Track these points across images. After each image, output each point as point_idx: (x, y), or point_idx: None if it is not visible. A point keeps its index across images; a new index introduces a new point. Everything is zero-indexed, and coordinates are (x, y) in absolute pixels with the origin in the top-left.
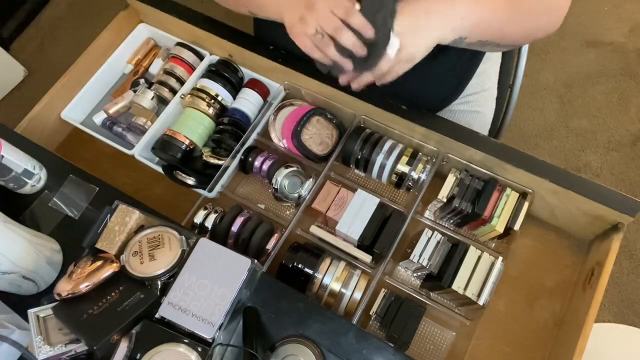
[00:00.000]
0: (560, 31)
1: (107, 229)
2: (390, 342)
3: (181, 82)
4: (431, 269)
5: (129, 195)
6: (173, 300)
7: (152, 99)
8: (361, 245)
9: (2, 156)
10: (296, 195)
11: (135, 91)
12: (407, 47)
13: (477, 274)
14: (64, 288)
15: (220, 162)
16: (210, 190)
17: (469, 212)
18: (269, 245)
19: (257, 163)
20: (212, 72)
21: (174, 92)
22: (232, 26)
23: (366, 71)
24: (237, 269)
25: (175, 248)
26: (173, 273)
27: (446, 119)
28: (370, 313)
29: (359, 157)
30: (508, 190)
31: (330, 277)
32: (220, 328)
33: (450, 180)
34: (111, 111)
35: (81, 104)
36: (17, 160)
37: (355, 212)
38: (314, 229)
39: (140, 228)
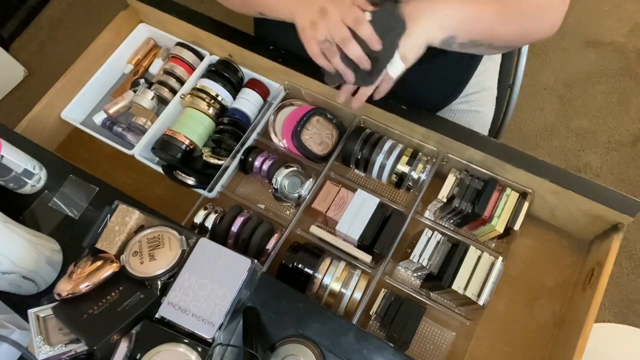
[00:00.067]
0: (560, 31)
1: (107, 229)
2: (390, 342)
3: (181, 82)
4: (431, 269)
5: (129, 195)
6: (173, 300)
7: (152, 99)
8: (361, 245)
9: (2, 156)
10: (296, 195)
11: (135, 91)
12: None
13: (477, 274)
14: (64, 288)
15: (220, 162)
16: (210, 190)
17: (469, 212)
18: (269, 245)
19: (257, 163)
20: (212, 72)
21: (174, 92)
22: (232, 26)
23: (365, 85)
24: (237, 269)
25: (175, 248)
26: (173, 273)
27: (446, 119)
28: (370, 313)
29: (359, 157)
30: (508, 190)
31: (330, 277)
32: (220, 328)
33: (450, 180)
34: (111, 111)
35: (81, 104)
36: (17, 160)
37: (355, 212)
38: (314, 229)
39: (140, 228)
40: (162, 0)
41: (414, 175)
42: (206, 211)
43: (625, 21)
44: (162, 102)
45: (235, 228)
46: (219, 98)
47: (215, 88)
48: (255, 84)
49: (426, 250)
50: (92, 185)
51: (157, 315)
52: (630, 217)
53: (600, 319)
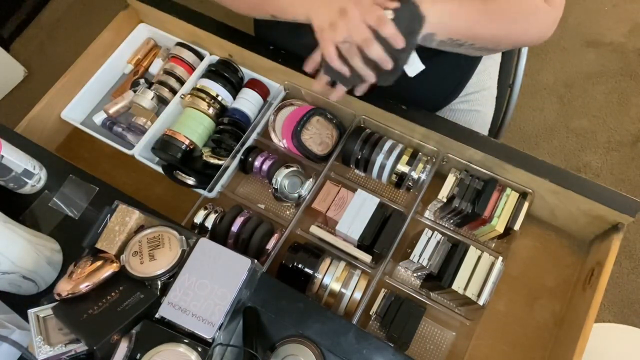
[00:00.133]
0: (560, 31)
1: (107, 229)
2: (390, 342)
3: (181, 82)
4: (431, 269)
5: (129, 195)
6: (173, 300)
7: (152, 99)
8: (361, 245)
9: (2, 156)
10: (296, 195)
11: (135, 91)
12: None
13: (477, 274)
14: (64, 288)
15: (220, 162)
16: (210, 190)
17: (469, 212)
18: (269, 245)
19: (257, 163)
20: (212, 72)
21: (174, 92)
22: (232, 26)
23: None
24: (237, 269)
25: (175, 248)
26: (173, 273)
27: (446, 118)
28: (370, 313)
29: (359, 157)
30: (508, 190)
31: (330, 277)
32: (220, 328)
33: (450, 180)
34: (111, 111)
35: (81, 104)
36: (17, 160)
37: (355, 212)
38: (314, 229)
39: (140, 228)
40: (162, 0)
41: (414, 175)
42: (206, 211)
43: (625, 21)
44: (162, 102)
45: (235, 228)
46: (219, 98)
47: (215, 88)
48: (255, 84)
49: (426, 250)
50: (92, 185)
51: (157, 315)
52: (630, 217)
53: (600, 319)
